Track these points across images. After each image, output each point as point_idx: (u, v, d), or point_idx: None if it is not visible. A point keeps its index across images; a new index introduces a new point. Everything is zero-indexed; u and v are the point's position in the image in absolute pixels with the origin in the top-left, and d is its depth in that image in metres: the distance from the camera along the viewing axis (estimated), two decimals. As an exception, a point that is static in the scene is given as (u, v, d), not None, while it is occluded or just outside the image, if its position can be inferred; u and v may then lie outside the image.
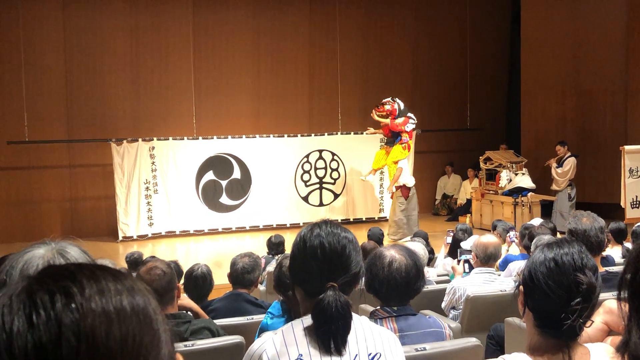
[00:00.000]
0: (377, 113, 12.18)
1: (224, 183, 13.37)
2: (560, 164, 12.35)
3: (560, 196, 12.32)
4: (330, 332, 1.88)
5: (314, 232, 2.01)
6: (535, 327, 1.86)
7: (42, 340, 0.76)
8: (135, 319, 0.81)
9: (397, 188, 11.92)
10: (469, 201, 14.19)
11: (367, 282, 2.92)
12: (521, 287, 1.91)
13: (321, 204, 13.99)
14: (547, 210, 12.42)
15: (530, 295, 1.86)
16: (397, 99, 12.13)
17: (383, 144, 12.81)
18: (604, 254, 5.47)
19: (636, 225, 6.66)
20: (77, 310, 0.78)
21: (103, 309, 0.79)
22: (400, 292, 2.84)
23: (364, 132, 13.36)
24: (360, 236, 8.84)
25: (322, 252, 1.96)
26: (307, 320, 1.94)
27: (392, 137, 12.14)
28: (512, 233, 7.85)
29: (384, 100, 12.18)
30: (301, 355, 1.88)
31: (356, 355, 1.91)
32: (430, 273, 6.38)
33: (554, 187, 12.41)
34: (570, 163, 12.25)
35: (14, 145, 12.62)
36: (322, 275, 1.94)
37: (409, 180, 12.04)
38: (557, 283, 1.81)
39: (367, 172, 12.63)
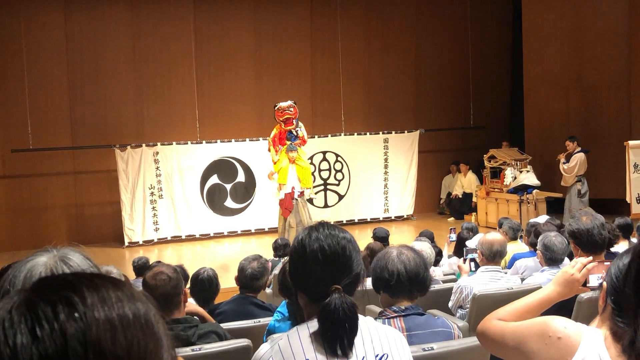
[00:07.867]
0: (280, 118, 10.89)
1: (228, 186, 13.38)
2: (568, 159, 12.18)
3: (570, 192, 12.15)
4: (337, 335, 1.85)
5: (312, 236, 1.97)
6: (611, 319, 1.85)
7: (48, 352, 0.74)
8: (139, 326, 0.81)
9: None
10: (466, 195, 14.23)
11: (376, 277, 2.91)
12: (604, 284, 1.91)
13: (326, 205, 14.00)
14: (553, 207, 12.36)
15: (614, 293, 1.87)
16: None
17: (283, 152, 11.06)
18: (613, 250, 5.45)
19: (642, 220, 6.63)
20: (81, 320, 0.77)
21: (107, 317, 0.78)
22: (410, 283, 2.84)
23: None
24: (366, 236, 8.84)
25: (323, 256, 1.93)
26: (313, 324, 1.91)
27: (287, 139, 10.98)
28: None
29: (282, 105, 10.81)
30: (307, 361, 1.86)
31: (363, 357, 1.89)
32: (436, 272, 6.37)
33: (563, 183, 12.26)
34: (577, 159, 12.03)
35: (18, 153, 12.66)
36: (325, 279, 1.91)
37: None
38: None
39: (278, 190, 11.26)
